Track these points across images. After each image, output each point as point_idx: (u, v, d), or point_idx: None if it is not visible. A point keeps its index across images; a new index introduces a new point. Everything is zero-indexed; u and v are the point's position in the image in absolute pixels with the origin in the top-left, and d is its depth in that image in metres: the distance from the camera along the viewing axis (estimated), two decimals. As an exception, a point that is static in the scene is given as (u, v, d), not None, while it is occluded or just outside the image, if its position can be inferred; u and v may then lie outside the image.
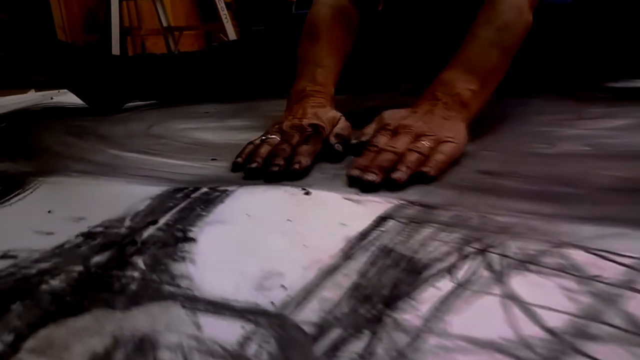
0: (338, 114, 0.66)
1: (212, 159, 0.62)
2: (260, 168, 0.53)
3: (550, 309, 0.27)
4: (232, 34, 2.27)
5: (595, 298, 0.28)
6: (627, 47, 1.00)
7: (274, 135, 0.59)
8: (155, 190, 0.47)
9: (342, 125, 0.64)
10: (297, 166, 0.53)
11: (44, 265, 0.35)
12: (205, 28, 3.10)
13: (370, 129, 0.58)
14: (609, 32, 0.99)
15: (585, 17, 0.96)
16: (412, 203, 0.43)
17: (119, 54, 2.22)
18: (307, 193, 0.46)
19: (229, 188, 0.47)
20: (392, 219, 0.39)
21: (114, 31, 2.23)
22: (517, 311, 0.27)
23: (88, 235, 0.39)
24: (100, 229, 0.40)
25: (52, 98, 1.20)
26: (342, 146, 0.60)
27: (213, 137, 0.75)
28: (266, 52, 1.07)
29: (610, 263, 0.31)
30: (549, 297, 0.28)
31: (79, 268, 0.34)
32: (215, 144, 0.71)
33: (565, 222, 0.38)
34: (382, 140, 0.53)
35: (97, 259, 0.36)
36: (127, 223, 0.41)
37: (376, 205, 0.43)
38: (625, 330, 0.25)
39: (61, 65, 0.97)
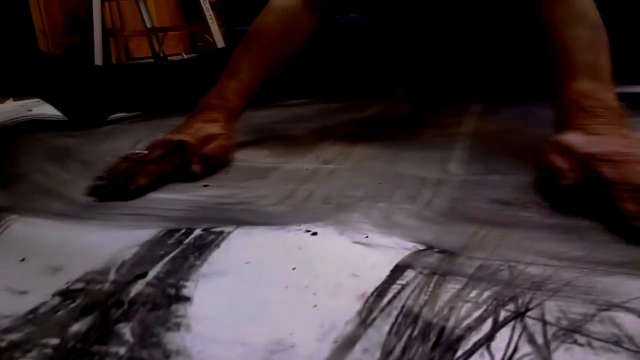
0: (219, 132, 0.63)
1: (204, 185, 0.57)
2: (105, 186, 0.52)
3: (612, 401, 0.23)
4: (217, 35, 2.21)
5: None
6: (627, 52, 0.97)
7: (145, 150, 0.57)
8: (144, 235, 0.42)
9: (215, 145, 0.61)
10: (131, 186, 0.52)
11: (15, 336, 0.30)
12: (189, 29, 3.04)
13: (560, 163, 0.46)
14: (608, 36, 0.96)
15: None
16: (429, 247, 0.38)
17: (101, 55, 2.15)
18: (314, 234, 0.41)
19: (225, 229, 0.42)
20: (412, 269, 0.35)
21: (96, 33, 2.16)
22: (573, 403, 0.23)
23: (66, 295, 0.34)
24: (80, 285, 0.36)
25: (30, 110, 1.14)
26: (202, 167, 0.59)
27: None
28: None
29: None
30: (609, 383, 0.24)
31: (55, 341, 0.30)
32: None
33: (602, 272, 0.34)
34: (617, 174, 0.42)
35: (76, 327, 0.31)
36: (112, 276, 0.37)
37: (389, 250, 0.38)
38: None
39: (38, 76, 0.91)
